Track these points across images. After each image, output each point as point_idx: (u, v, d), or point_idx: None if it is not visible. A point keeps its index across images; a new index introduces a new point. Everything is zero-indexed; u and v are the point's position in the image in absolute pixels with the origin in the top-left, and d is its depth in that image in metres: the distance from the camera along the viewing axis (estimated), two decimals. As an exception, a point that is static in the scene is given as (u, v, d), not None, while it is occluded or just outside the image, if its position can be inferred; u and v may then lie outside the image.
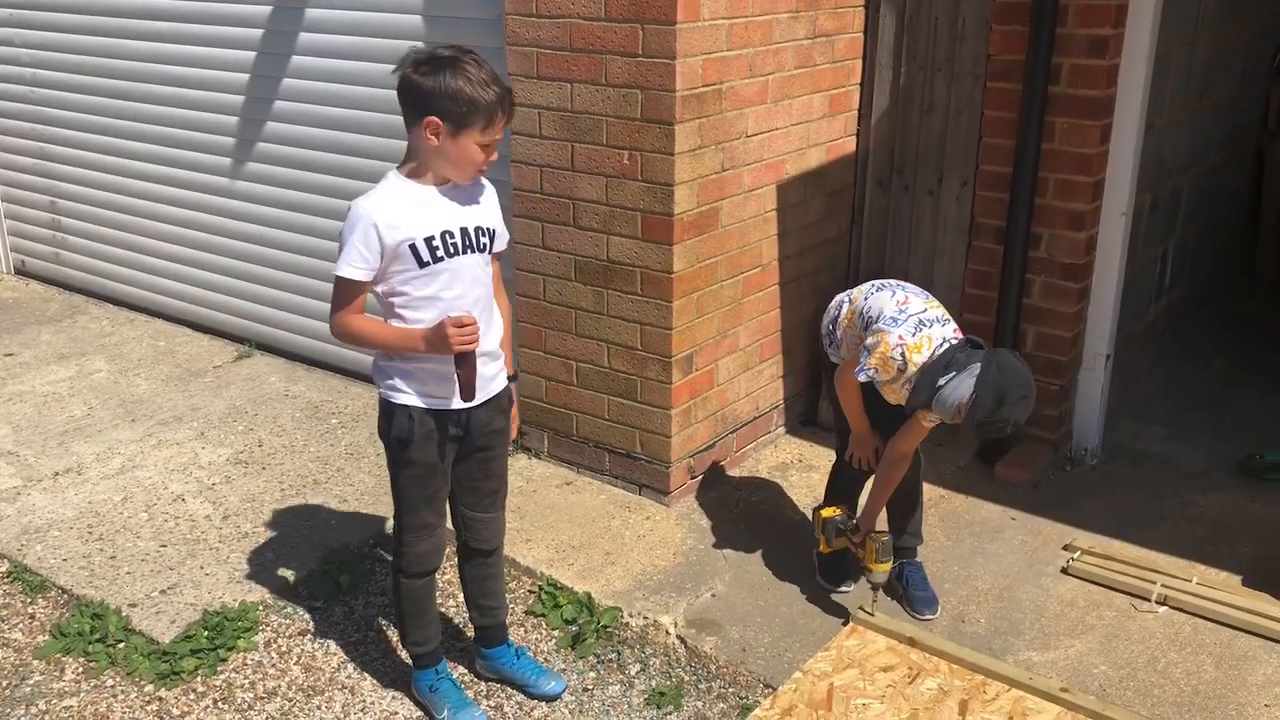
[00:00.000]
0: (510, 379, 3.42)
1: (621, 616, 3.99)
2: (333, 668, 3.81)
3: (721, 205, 4.52)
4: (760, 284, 4.88)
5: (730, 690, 3.68)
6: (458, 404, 3.21)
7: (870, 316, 3.71)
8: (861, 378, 3.67)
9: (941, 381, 3.60)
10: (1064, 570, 4.28)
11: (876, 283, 3.87)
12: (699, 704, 3.64)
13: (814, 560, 4.25)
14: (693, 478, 4.78)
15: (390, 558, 3.76)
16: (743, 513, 4.69)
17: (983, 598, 4.12)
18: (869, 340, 3.64)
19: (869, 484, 4.06)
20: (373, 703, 3.65)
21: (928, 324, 3.63)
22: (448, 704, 3.52)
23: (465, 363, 3.12)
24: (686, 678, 3.75)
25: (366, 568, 4.33)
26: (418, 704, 3.61)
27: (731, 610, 4.01)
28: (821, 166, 5.07)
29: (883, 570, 3.83)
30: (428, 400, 3.21)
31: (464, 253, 3.14)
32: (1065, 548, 4.43)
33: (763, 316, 4.96)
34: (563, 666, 3.81)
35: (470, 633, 3.82)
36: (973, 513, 4.69)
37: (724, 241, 4.59)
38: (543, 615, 4.05)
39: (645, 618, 3.97)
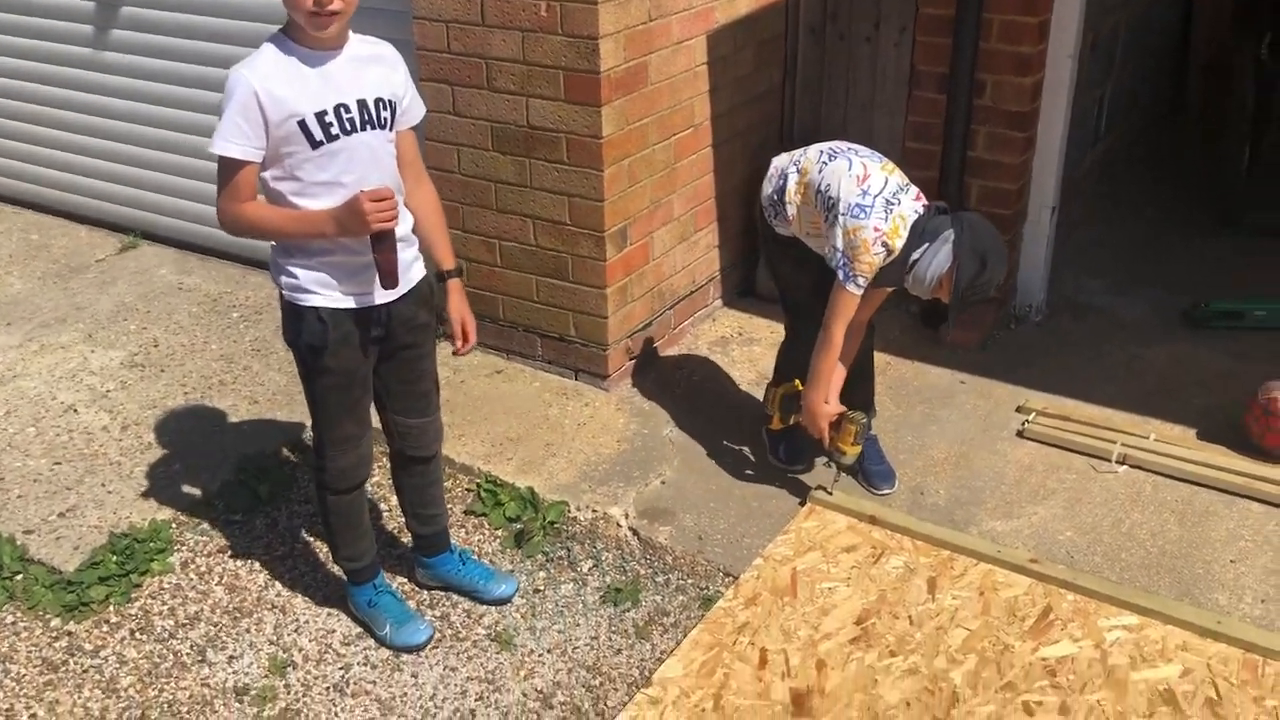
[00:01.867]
0: (452, 273, 3.07)
1: (569, 511, 3.75)
2: (259, 586, 3.52)
3: (650, 60, 4.13)
4: (693, 146, 4.54)
5: (689, 581, 3.49)
6: (379, 297, 2.86)
7: (831, 198, 3.41)
8: (856, 289, 3.37)
9: (916, 255, 3.36)
10: (1020, 434, 4.15)
11: (826, 149, 3.55)
12: (657, 598, 3.44)
13: (765, 439, 4.05)
14: (631, 359, 4.51)
15: (313, 471, 3.44)
16: (686, 393, 4.45)
17: (939, 467, 3.97)
18: (840, 239, 3.33)
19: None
20: (307, 621, 3.38)
21: (895, 201, 3.35)
22: (389, 619, 3.27)
23: (384, 244, 2.72)
24: (642, 571, 3.54)
25: (287, 474, 4.01)
26: (356, 620, 3.36)
27: (684, 497, 3.80)
28: (752, 13, 4.68)
29: (856, 453, 3.64)
30: (341, 298, 2.85)
31: (362, 129, 2.75)
32: (1018, 410, 4.29)
33: (696, 182, 4.63)
34: (510, 568, 3.58)
35: (407, 540, 3.55)
36: (921, 378, 4.52)
37: (654, 100, 4.22)
38: (484, 515, 3.79)
39: (594, 510, 3.74)
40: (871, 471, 3.85)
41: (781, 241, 3.70)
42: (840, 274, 3.36)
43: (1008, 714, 2.92)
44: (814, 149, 3.59)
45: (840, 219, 3.36)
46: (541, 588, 3.50)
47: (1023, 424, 4.18)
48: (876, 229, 3.31)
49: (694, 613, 3.36)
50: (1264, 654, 3.08)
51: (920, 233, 3.32)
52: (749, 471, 3.94)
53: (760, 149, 4.96)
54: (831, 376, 3.57)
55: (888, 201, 3.35)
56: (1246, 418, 3.93)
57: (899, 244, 3.34)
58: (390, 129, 2.83)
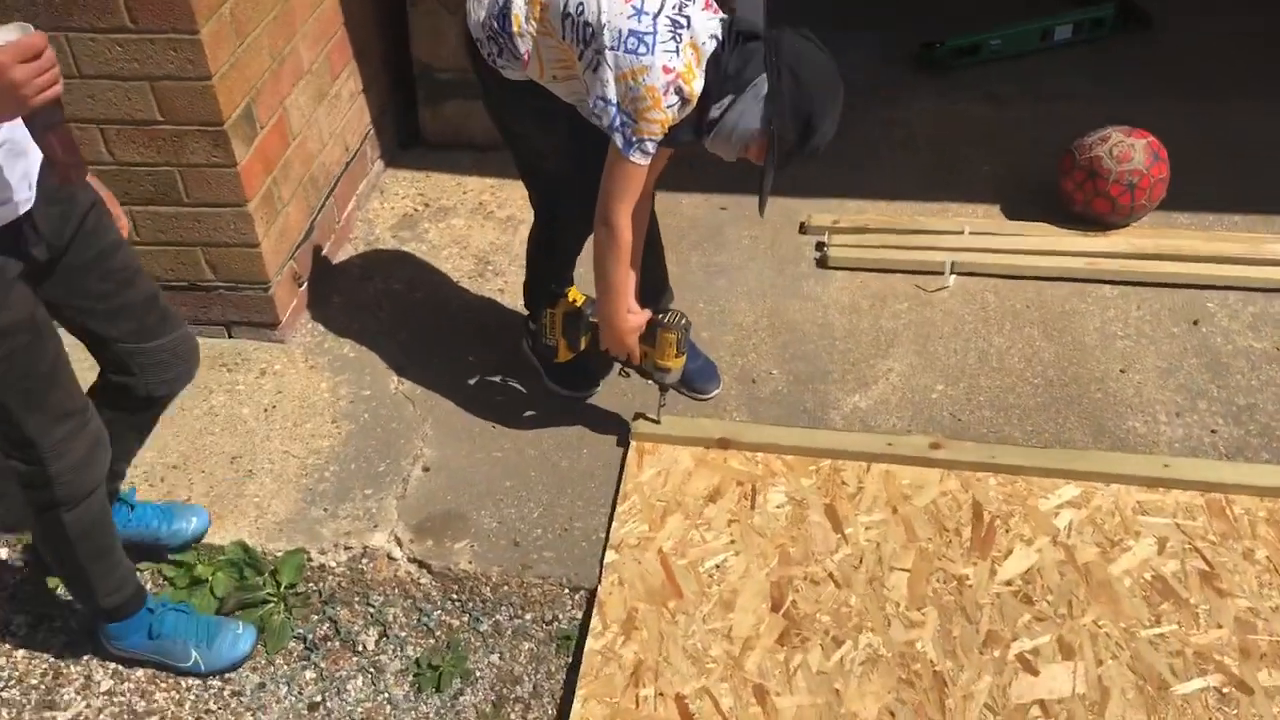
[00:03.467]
0: None
1: (309, 560, 2.54)
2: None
3: None
4: (304, -40, 3.10)
5: (529, 618, 2.45)
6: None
7: (587, 23, 2.25)
8: (643, 159, 2.30)
9: (715, 112, 2.32)
10: (820, 262, 3.35)
11: None
12: (494, 658, 2.39)
13: (533, 361, 2.98)
14: (302, 285, 3.19)
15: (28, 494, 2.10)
16: (392, 314, 3.22)
17: (755, 337, 3.11)
18: (613, 88, 2.24)
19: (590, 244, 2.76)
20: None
21: (683, 21, 2.26)
22: (192, 638, 2.35)
23: (55, 120, 1.69)
24: (455, 622, 2.45)
25: None
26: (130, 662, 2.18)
27: (463, 483, 2.70)
28: None
29: (680, 365, 2.66)
30: None
31: None
32: (803, 230, 3.48)
33: (319, 10, 3.21)
34: (259, 680, 2.36)
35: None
36: (676, 212, 3.56)
37: (241, -96, 2.73)
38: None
39: (348, 547, 2.56)
40: (689, 371, 2.91)
41: (513, 90, 2.50)
42: (618, 139, 2.28)
43: (1007, 681, 2.24)
44: None
45: (608, 56, 2.24)
46: (318, 699, 2.33)
47: (819, 251, 3.38)
48: (667, 69, 2.23)
49: (556, 665, 2.36)
50: (1224, 491, 2.58)
51: (723, 74, 2.28)
52: (530, 413, 2.88)
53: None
54: (628, 279, 2.53)
55: (674, 22, 2.26)
56: (1065, 184, 3.35)
57: (697, 89, 2.29)
58: None
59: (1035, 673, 2.25)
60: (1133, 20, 4.31)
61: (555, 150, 2.59)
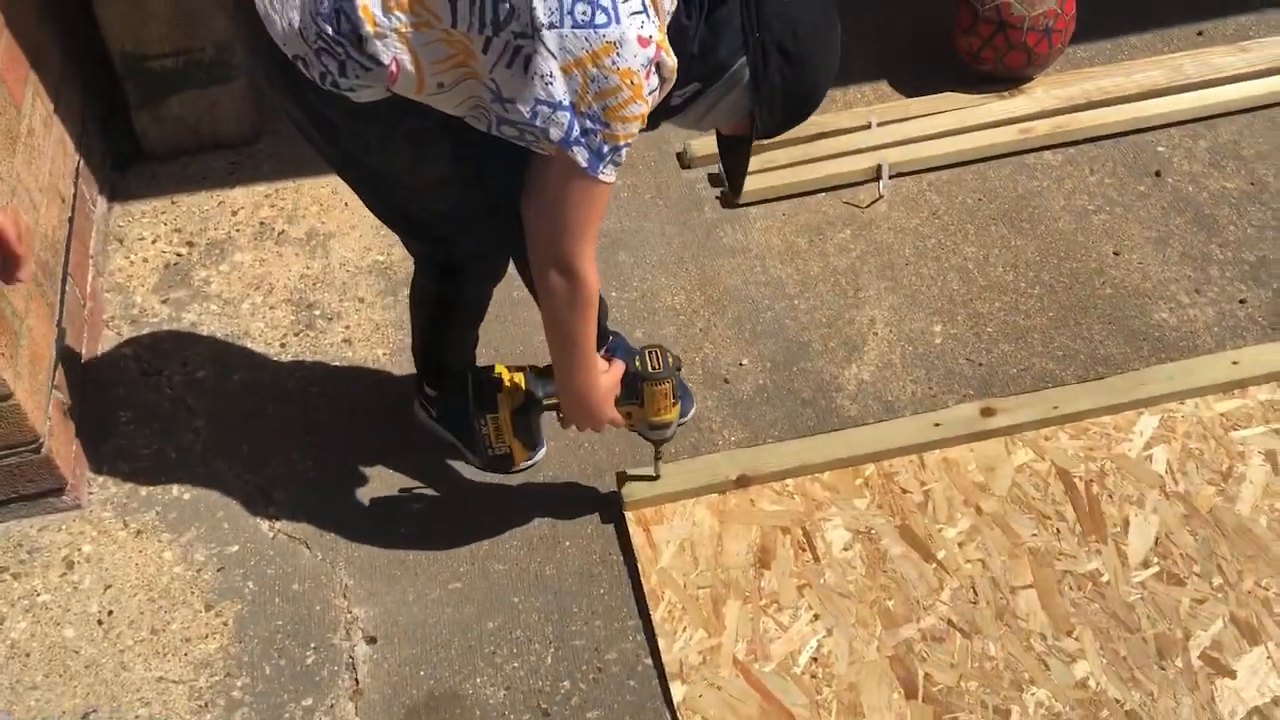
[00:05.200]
0: None
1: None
2: None
3: None
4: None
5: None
6: None
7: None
8: (613, 174, 1.58)
9: (677, 100, 1.67)
10: (726, 203, 2.71)
11: None
12: None
13: (444, 435, 2.22)
14: (72, 415, 2.22)
15: None
16: (212, 419, 2.31)
17: (700, 320, 2.46)
18: (561, 84, 1.51)
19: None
20: None
21: None
22: None
23: None
24: None
25: None
26: None
27: (432, 646, 1.95)
28: None
29: (677, 414, 1.99)
30: None
31: None
32: (683, 163, 2.82)
33: (-26, 17, 2.15)
34: None
35: None
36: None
37: None
38: None
39: (319, 803, 1.78)
40: None
41: (369, 118, 1.67)
42: (580, 154, 1.55)
43: (1207, 694, 1.83)
44: None
45: (547, 39, 1.49)
46: None
47: (721, 185, 2.75)
48: (643, 39, 1.51)
49: None
50: (1303, 372, 2.25)
51: (688, 53, 1.60)
52: (471, 511, 2.14)
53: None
54: (594, 335, 1.82)
55: None
56: (969, 42, 2.85)
57: (674, 65, 1.59)
58: None
59: (1231, 674, 1.85)
60: None
61: (439, 182, 1.80)
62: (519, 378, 1.94)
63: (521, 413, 1.94)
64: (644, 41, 1.51)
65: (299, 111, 1.72)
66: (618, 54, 1.50)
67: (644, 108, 1.56)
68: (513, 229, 1.73)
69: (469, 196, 1.81)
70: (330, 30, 1.56)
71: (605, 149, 1.55)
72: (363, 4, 1.53)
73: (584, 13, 1.49)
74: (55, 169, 2.41)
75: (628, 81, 1.51)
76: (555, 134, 1.54)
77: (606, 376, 1.89)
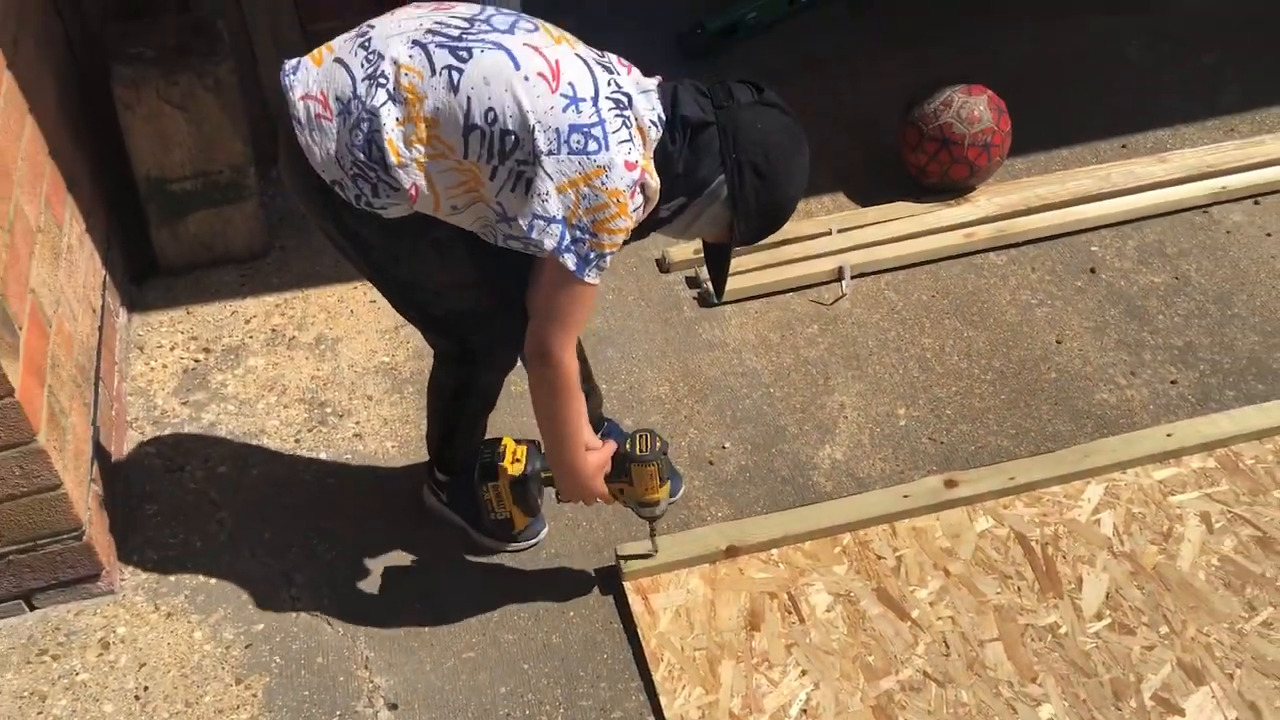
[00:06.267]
0: None
1: None
2: None
3: None
4: (-9, 85, 2.25)
5: None
6: None
7: (506, 130, 1.78)
8: (597, 278, 1.85)
9: (664, 213, 1.96)
10: (703, 302, 2.96)
11: (421, 30, 1.82)
12: None
13: (453, 518, 2.40)
14: (109, 508, 2.38)
15: None
16: (235, 509, 2.49)
17: (684, 409, 2.68)
18: (555, 202, 1.78)
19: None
20: None
21: (623, 99, 1.83)
22: None
23: None
24: None
25: None
26: None
27: (450, 710, 2.10)
28: None
29: (667, 492, 2.19)
30: None
31: None
32: (662, 268, 3.07)
33: (26, 148, 2.37)
34: None
35: None
36: (512, 284, 3.03)
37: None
38: None
39: None
40: None
41: (398, 231, 1.92)
42: (569, 260, 1.81)
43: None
44: (393, 41, 1.82)
45: (546, 165, 1.76)
46: None
47: (699, 287, 3.00)
48: (630, 164, 1.79)
49: None
50: (1226, 445, 2.49)
51: (673, 174, 1.88)
52: (481, 587, 2.31)
53: (50, 37, 2.75)
54: (581, 416, 2.04)
55: (615, 103, 1.81)
56: (915, 158, 3.15)
57: (656, 185, 1.86)
58: None
59: (1180, 712, 2.04)
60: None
61: (459, 284, 2.04)
62: (521, 451, 2.14)
63: (520, 483, 2.13)
64: (630, 166, 1.78)
65: (335, 230, 1.95)
66: (607, 176, 1.76)
67: (628, 222, 1.81)
68: (521, 325, 1.96)
69: (485, 297, 2.04)
70: (363, 158, 1.81)
71: (591, 256, 1.80)
72: (389, 138, 1.79)
73: (578, 141, 1.75)
74: (87, 282, 2.62)
75: (615, 199, 1.77)
76: (549, 243, 1.79)
77: (596, 455, 2.09)
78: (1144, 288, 2.94)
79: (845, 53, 3.84)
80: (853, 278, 2.98)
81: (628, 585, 2.27)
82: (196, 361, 2.84)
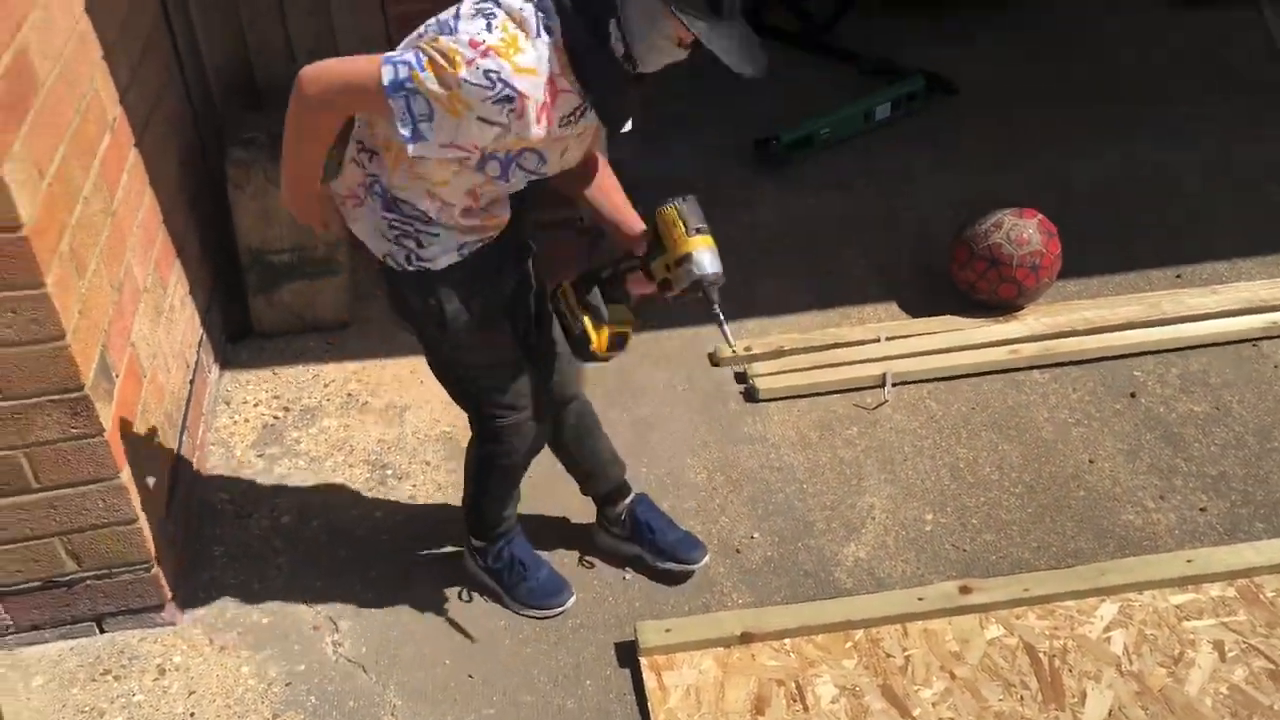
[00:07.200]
0: None
1: None
2: None
3: (28, 41, 2.08)
4: (118, 160, 2.55)
5: None
6: None
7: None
8: (411, 136, 1.83)
9: (617, 46, 1.87)
10: (748, 395, 3.11)
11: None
12: None
13: (488, 583, 2.57)
14: (177, 545, 2.60)
15: None
16: (293, 556, 2.69)
17: (719, 497, 2.82)
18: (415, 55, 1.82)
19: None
20: None
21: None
22: None
23: None
24: None
25: None
26: None
27: (464, 759, 2.24)
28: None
29: (711, 244, 2.08)
30: None
31: None
32: (714, 362, 3.23)
33: (141, 215, 2.66)
34: None
35: None
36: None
37: (59, 113, 2.19)
38: None
39: None
40: (673, 543, 2.61)
41: (444, 288, 2.11)
42: (386, 64, 1.83)
43: None
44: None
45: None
46: None
47: (743, 384, 3.15)
48: (474, 43, 1.80)
49: None
50: (1249, 576, 2.53)
51: (576, 17, 1.83)
52: (507, 649, 2.45)
53: (179, 117, 3.07)
54: (312, 163, 2.02)
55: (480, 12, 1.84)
56: (965, 275, 3.28)
57: (528, 87, 1.81)
58: None
59: (1173, 832, 2.08)
60: (940, 89, 4.39)
61: (486, 337, 2.21)
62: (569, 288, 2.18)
63: (578, 285, 2.16)
64: (474, 44, 1.78)
65: (394, 310, 2.18)
66: (452, 40, 1.79)
67: (461, 91, 1.78)
68: (538, 384, 2.21)
69: (503, 351, 2.21)
70: (398, 216, 2.02)
71: (404, 73, 1.80)
72: (389, 184, 1.99)
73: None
74: (184, 339, 2.89)
75: (450, 64, 1.77)
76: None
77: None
78: (1183, 415, 3.00)
79: (910, 168, 4.01)
80: (895, 384, 3.10)
81: (643, 660, 2.39)
82: (276, 418, 3.08)
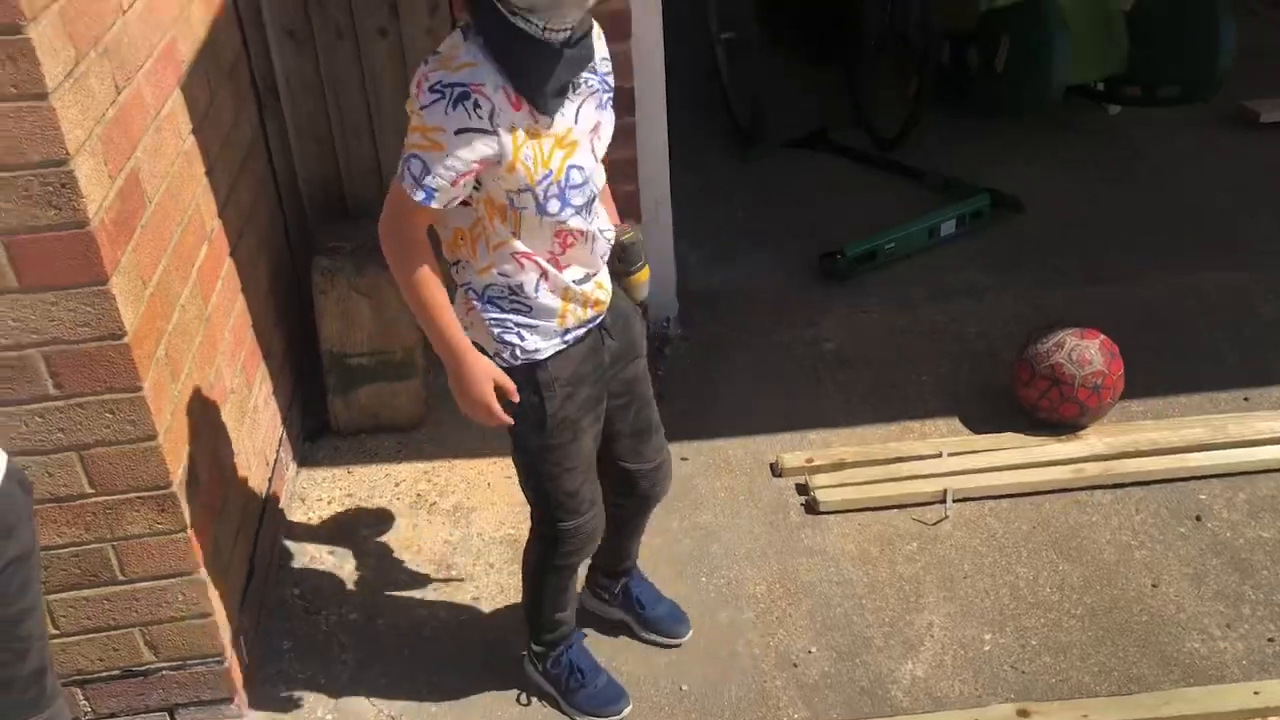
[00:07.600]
0: None
1: None
2: None
3: (139, 164, 2.25)
4: (214, 270, 2.72)
5: None
6: None
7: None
8: (425, 196, 1.94)
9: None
10: (809, 507, 3.15)
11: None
12: None
13: (547, 688, 2.61)
14: (249, 639, 2.69)
15: None
16: (359, 654, 2.76)
17: (777, 610, 2.84)
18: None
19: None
20: None
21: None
22: None
23: None
24: None
25: None
26: None
27: None
28: (211, 31, 2.87)
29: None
30: None
31: None
32: (777, 473, 3.28)
33: (233, 323, 2.82)
34: None
35: None
36: (635, 475, 3.29)
37: (162, 231, 2.36)
38: None
39: None
40: (660, 616, 2.75)
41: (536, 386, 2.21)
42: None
43: None
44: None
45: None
46: None
47: (803, 495, 3.18)
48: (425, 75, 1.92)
49: None
50: (1319, 709, 2.48)
51: None
52: (564, 755, 2.49)
53: (268, 226, 3.25)
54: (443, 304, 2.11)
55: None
56: (1028, 394, 3.30)
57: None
58: None
59: None
60: (1005, 206, 4.45)
61: (558, 440, 2.26)
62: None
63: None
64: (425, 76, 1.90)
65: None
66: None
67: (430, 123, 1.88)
68: (595, 494, 2.28)
69: (569, 457, 2.28)
70: (497, 312, 2.11)
71: (411, 167, 1.92)
72: (479, 274, 2.10)
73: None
74: (266, 437, 3.02)
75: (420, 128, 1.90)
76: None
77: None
78: (1251, 541, 2.96)
79: (974, 285, 4.06)
80: (956, 501, 3.11)
81: (698, 772, 2.41)
82: (347, 517, 3.18)
